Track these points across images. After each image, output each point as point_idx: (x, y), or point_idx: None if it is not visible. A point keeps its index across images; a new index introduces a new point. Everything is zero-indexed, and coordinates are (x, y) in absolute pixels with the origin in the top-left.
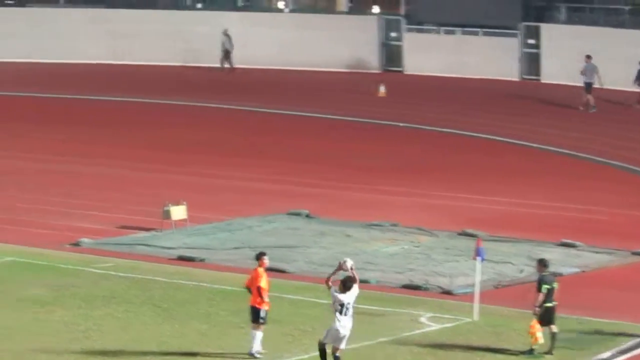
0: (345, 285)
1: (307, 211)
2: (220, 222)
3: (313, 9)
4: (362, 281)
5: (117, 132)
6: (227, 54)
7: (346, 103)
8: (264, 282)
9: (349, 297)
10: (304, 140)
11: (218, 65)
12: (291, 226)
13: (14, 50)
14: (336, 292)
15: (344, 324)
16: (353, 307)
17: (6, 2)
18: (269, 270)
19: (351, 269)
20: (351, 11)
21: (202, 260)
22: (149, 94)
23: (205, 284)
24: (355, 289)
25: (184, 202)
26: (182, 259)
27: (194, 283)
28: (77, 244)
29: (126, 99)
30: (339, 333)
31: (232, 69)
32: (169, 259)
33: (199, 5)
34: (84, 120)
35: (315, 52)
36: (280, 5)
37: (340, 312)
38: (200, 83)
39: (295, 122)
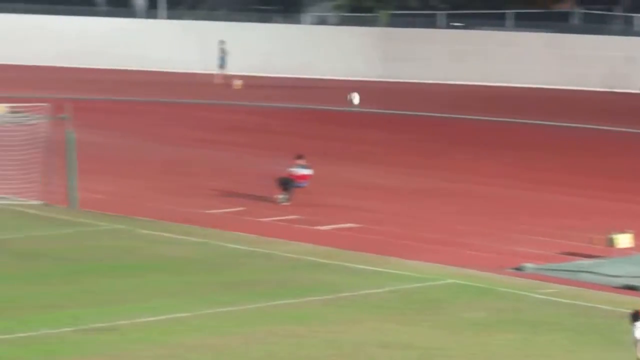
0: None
1: None
2: None
3: None
4: None
5: (559, 157)
6: None
7: None
8: None
9: None
10: None
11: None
12: None
13: (461, 73)
14: None
15: None
16: None
17: (454, 24)
18: None
19: None
20: None
21: None
22: (581, 119)
23: None
24: None
25: (631, 231)
26: (627, 288)
27: None
28: (519, 269)
29: (568, 124)
30: None
31: None
32: (614, 288)
33: None
34: (531, 145)
35: None
36: None
37: None
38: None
39: None
